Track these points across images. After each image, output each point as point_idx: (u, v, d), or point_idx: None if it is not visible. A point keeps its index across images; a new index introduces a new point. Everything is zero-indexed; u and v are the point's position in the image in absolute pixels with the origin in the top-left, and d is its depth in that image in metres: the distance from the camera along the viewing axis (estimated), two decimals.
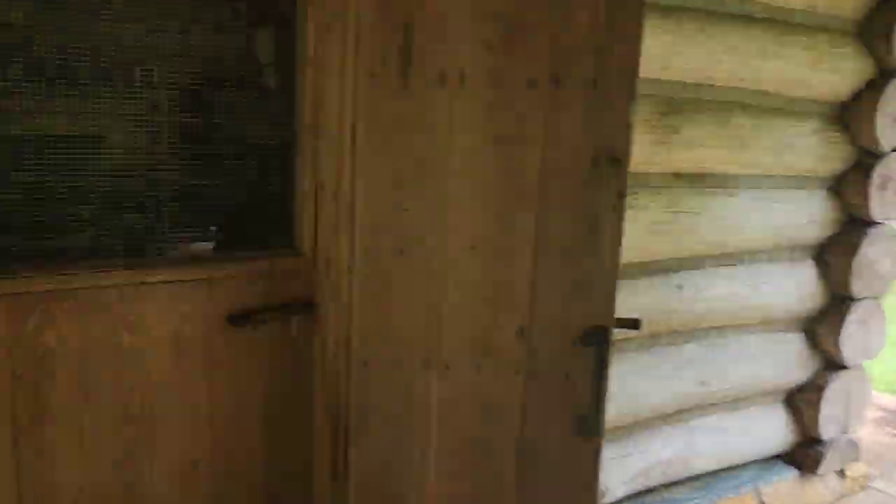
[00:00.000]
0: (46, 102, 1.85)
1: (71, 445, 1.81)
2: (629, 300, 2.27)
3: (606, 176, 1.65)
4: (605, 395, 1.74)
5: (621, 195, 1.66)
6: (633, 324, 1.79)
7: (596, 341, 1.70)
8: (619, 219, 1.68)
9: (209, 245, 2.13)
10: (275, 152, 2.13)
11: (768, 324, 2.80)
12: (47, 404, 1.76)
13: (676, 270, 2.46)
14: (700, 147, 2.38)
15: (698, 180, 2.43)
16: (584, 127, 1.62)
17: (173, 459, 1.95)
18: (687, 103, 2.33)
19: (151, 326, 1.84)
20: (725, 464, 2.84)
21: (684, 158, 2.36)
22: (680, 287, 2.47)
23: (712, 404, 2.72)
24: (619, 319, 1.74)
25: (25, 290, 1.68)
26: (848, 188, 2.85)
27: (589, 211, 1.67)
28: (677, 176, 2.38)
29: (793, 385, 2.98)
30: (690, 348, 2.59)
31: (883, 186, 2.83)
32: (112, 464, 1.87)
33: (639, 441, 2.53)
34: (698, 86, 2.34)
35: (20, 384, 1.72)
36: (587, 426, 1.74)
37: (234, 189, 2.17)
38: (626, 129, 1.62)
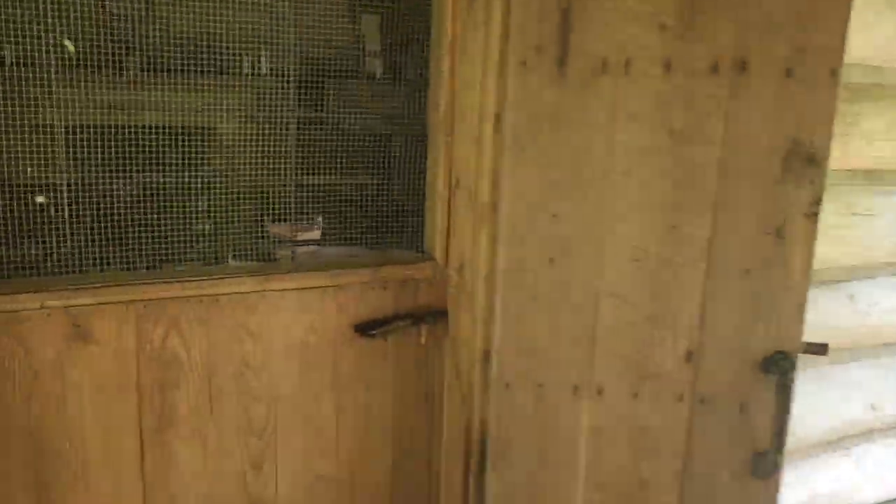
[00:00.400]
0: (150, 94, 1.77)
1: (195, 456, 1.72)
2: None
3: (799, 177, 1.40)
4: (787, 430, 1.50)
5: (816, 200, 1.41)
6: (821, 349, 1.54)
7: (779, 368, 1.46)
8: (813, 228, 1.43)
9: (314, 246, 2.01)
10: (386, 144, 1.98)
11: None
12: (173, 414, 1.68)
13: (848, 280, 2.16)
14: (881, 139, 2.07)
15: (878, 177, 2.12)
16: (774, 120, 1.38)
17: (297, 472, 1.84)
18: (870, 89, 2.02)
19: (277, 336, 1.73)
20: (895, 496, 2.52)
21: (863, 153, 2.05)
22: (851, 299, 2.16)
23: (882, 431, 2.40)
24: (805, 344, 1.49)
25: (154, 297, 1.60)
26: None
27: (776, 218, 1.42)
28: (853, 173, 2.08)
29: None
30: (859, 368, 2.28)
31: None
32: (236, 475, 1.78)
33: (797, 470, 2.26)
34: (884, 69, 2.03)
35: (146, 393, 1.64)
36: (766, 464, 1.51)
37: (344, 184, 2.03)
38: (827, 122, 1.37)
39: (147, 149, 1.74)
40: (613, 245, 1.50)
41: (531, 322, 1.58)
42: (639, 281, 1.51)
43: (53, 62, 1.61)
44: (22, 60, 1.59)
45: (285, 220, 2.01)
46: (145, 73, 1.80)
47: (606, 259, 1.51)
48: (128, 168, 1.72)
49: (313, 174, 1.96)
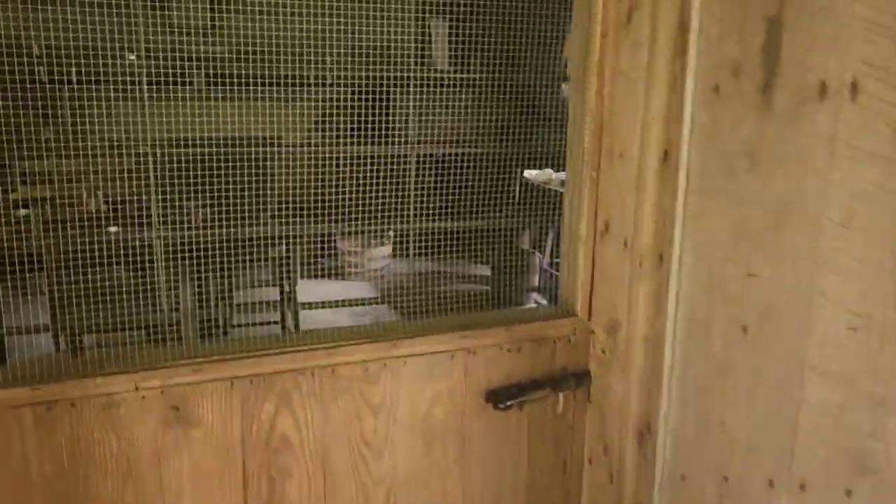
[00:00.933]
0: (218, 107, 1.56)
1: None
2: None
3: None
4: None
5: None
6: None
7: None
8: None
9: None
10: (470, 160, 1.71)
11: None
12: (282, 502, 1.44)
13: None
14: None
15: None
16: None
17: None
18: None
19: (400, 409, 1.49)
20: None
21: None
22: None
23: None
24: None
25: (261, 372, 1.36)
26: None
27: None
28: None
29: None
30: None
31: None
32: None
33: None
34: None
35: (252, 481, 1.41)
36: None
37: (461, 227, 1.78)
38: None
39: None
40: (825, 310, 1.21)
41: (716, 400, 1.30)
42: (856, 354, 1.21)
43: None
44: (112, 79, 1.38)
45: (353, 234, 1.77)
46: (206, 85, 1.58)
47: (815, 327, 1.22)
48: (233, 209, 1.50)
49: (430, 217, 1.72)
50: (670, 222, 1.33)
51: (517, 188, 5.31)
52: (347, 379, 1.44)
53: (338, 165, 4.37)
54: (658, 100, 1.32)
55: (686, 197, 1.26)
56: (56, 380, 1.25)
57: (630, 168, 1.41)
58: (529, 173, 5.15)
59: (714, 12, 1.17)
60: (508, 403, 1.52)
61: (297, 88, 4.61)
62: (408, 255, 5.70)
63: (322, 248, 5.28)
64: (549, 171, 5.03)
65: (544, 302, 4.87)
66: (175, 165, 2.65)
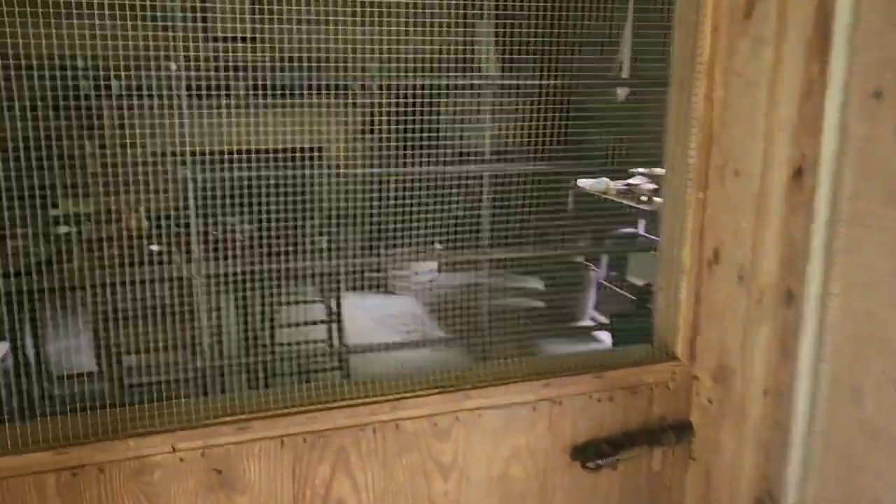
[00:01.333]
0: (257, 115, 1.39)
1: None
2: None
3: None
4: None
5: None
6: None
7: None
8: None
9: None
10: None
11: None
12: None
13: None
14: None
15: None
16: None
17: None
18: None
19: (473, 468, 1.29)
20: None
21: None
22: None
23: None
24: None
25: (315, 429, 1.17)
26: None
27: None
28: None
29: None
30: None
31: None
32: None
33: None
34: None
35: None
36: None
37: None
38: None
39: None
40: None
41: (869, 474, 1.07)
42: None
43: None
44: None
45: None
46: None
47: None
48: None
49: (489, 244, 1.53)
50: (803, 254, 1.10)
51: (570, 199, 5.07)
52: (413, 435, 1.24)
53: (381, 184, 4.19)
54: (787, 107, 1.10)
55: (832, 226, 1.03)
56: (83, 441, 1.08)
57: (748, 187, 1.19)
58: (584, 183, 4.91)
59: (873, 2, 0.95)
60: (598, 463, 1.30)
61: (338, 97, 4.45)
62: (454, 269, 5.51)
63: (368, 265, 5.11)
64: (605, 180, 4.78)
65: (602, 318, 4.62)
66: (217, 179, 2.50)
